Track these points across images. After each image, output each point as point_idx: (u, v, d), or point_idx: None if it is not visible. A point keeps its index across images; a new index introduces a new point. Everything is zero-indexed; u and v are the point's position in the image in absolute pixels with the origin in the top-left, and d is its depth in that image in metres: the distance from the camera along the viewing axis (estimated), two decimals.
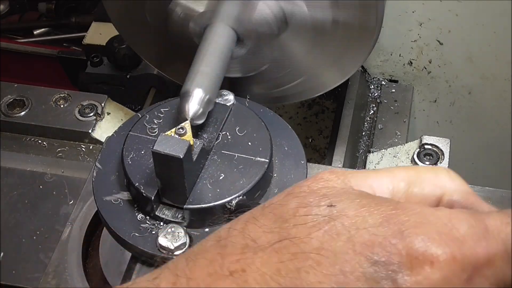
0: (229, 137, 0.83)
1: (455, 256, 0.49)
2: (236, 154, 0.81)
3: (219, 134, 0.83)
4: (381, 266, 0.49)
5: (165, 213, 0.80)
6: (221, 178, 0.79)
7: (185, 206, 0.78)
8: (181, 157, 0.72)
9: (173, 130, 0.75)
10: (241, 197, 0.78)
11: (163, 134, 0.74)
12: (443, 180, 0.58)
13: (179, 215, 0.79)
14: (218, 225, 0.80)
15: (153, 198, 0.78)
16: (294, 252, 0.50)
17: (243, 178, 0.79)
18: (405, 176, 0.58)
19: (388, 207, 0.52)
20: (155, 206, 0.79)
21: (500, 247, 0.50)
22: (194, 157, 0.76)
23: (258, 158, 0.80)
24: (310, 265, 0.49)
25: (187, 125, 0.76)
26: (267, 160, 0.80)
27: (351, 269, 0.49)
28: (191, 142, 0.74)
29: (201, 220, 0.79)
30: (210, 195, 0.78)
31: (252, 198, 0.79)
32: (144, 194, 0.78)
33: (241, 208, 0.77)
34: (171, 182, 0.76)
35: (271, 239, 0.51)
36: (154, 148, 0.72)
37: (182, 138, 0.74)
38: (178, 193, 0.78)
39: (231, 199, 0.77)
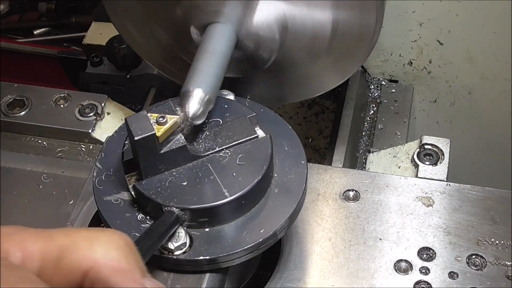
0: (227, 158, 0.82)
1: None
2: (215, 176, 0.80)
3: (222, 150, 0.82)
4: None
5: (131, 181, 0.81)
6: (183, 184, 0.79)
7: (133, 184, 0.80)
8: (135, 139, 0.74)
9: (157, 115, 0.76)
10: (178, 209, 0.78)
11: (146, 113, 0.76)
12: (97, 252, 0.51)
13: (132, 190, 0.81)
14: (218, 225, 0.80)
15: (124, 160, 0.81)
16: None
17: (196, 197, 0.78)
18: (61, 243, 0.52)
19: None
20: (126, 169, 0.82)
21: None
22: (163, 149, 0.77)
23: (226, 192, 0.79)
24: None
25: (174, 118, 0.77)
26: (228, 198, 0.78)
27: None
28: (159, 134, 0.75)
29: (142, 205, 0.80)
30: (159, 190, 0.79)
31: (194, 219, 0.79)
32: (122, 151, 0.81)
33: (168, 217, 0.78)
34: (133, 155, 0.79)
35: None
36: (129, 117, 0.75)
37: (158, 126, 0.75)
38: (138, 169, 0.80)
39: (168, 205, 0.78)
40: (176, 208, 0.77)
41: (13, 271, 0.48)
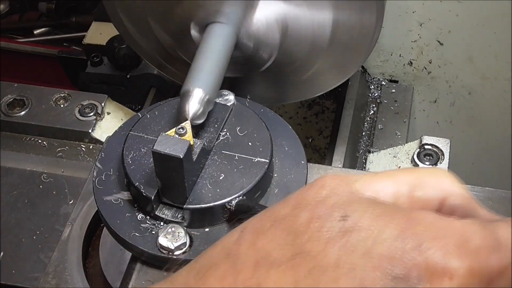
0: (229, 137, 0.83)
1: (473, 269, 0.49)
2: (237, 155, 0.81)
3: (220, 134, 0.83)
4: (400, 280, 0.48)
5: (165, 213, 0.80)
6: (221, 178, 0.79)
7: (185, 206, 0.78)
8: (181, 157, 0.72)
9: (174, 130, 0.75)
10: (241, 197, 0.78)
11: (164, 133, 0.74)
12: (445, 184, 0.57)
13: (179, 215, 0.79)
14: (218, 224, 0.80)
15: (153, 197, 0.78)
16: (310, 269, 0.49)
17: (243, 178, 0.79)
18: (408, 180, 0.57)
19: (402, 217, 0.51)
20: (155, 206, 0.79)
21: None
22: (194, 157, 0.76)
23: (258, 159, 0.80)
24: (327, 282, 0.48)
25: (187, 125, 0.76)
26: (267, 161, 0.80)
27: (370, 284, 0.48)
28: (191, 142, 0.74)
29: (201, 220, 0.79)
30: (210, 195, 0.78)
31: (252, 198, 0.79)
32: (144, 194, 0.78)
33: (241, 208, 0.77)
34: (171, 182, 0.77)
35: (284, 254, 0.50)
36: (154, 148, 0.72)
37: (182, 138, 0.74)
38: (178, 193, 0.78)
39: (231, 199, 0.78)
40: (238, 197, 0.78)
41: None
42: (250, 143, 0.82)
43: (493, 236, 0.51)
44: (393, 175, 0.57)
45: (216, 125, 0.84)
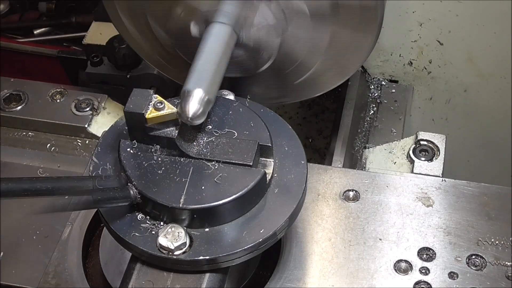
0: (211, 170, 0.81)
1: None
2: (187, 180, 0.80)
3: (214, 161, 0.81)
4: None
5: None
6: (158, 171, 0.80)
7: (128, 143, 0.82)
8: (124, 110, 0.79)
9: (159, 100, 0.79)
10: (135, 191, 0.79)
11: (154, 94, 0.79)
12: None
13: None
14: (218, 225, 0.80)
15: None
16: None
17: (155, 188, 0.79)
18: None
19: None
20: None
21: None
22: (153, 132, 0.80)
23: (181, 199, 0.78)
24: None
25: (171, 109, 0.79)
26: (177, 206, 0.78)
27: None
28: (148, 116, 0.78)
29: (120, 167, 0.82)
30: (137, 162, 0.80)
31: (146, 206, 0.80)
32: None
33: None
34: None
35: None
36: (136, 89, 0.80)
37: (153, 109, 0.78)
38: None
39: (130, 182, 0.79)
40: (136, 189, 0.79)
41: None
42: (203, 187, 0.79)
43: None
44: None
45: (221, 155, 0.82)
